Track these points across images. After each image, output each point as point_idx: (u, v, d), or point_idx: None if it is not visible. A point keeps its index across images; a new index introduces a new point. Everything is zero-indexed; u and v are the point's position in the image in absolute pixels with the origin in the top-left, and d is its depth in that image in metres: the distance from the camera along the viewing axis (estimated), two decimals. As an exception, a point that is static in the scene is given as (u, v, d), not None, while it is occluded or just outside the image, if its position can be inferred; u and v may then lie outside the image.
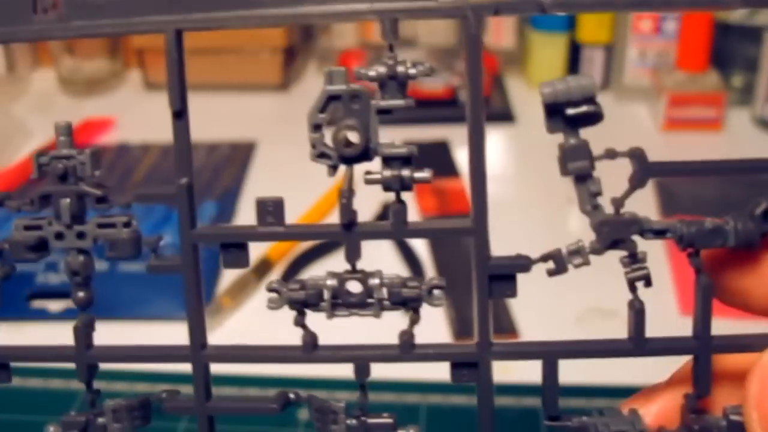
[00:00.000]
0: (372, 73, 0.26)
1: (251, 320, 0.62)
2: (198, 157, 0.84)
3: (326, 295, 0.27)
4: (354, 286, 0.27)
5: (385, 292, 0.27)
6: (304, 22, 0.26)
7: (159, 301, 0.61)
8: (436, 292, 0.27)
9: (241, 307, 0.63)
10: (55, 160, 0.27)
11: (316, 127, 0.26)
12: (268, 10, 0.26)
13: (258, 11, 0.26)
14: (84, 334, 0.28)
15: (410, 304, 0.27)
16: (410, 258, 0.67)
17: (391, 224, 0.27)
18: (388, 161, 0.26)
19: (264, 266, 0.67)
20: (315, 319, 0.28)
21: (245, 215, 0.74)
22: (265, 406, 0.28)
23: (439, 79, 0.92)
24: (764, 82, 0.90)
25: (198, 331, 0.28)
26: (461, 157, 0.83)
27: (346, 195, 0.26)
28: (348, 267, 0.27)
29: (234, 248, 0.27)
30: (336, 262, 0.28)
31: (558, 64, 1.01)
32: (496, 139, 0.92)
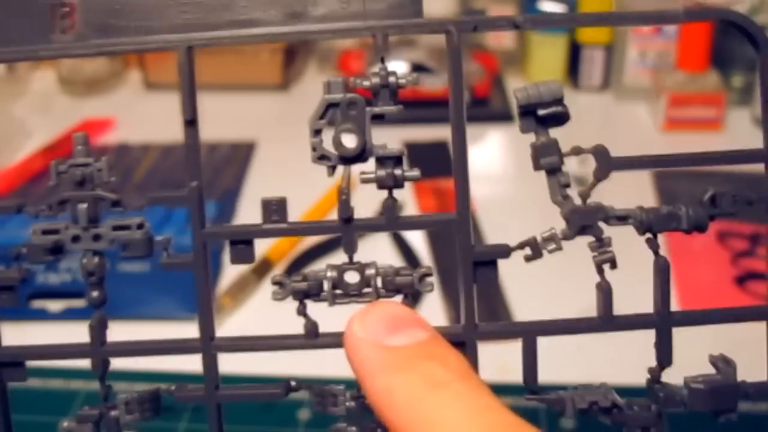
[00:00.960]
0: (366, 83, 0.29)
1: (251, 320, 0.63)
2: (198, 157, 0.85)
3: (326, 285, 0.30)
4: (352, 277, 0.30)
5: (380, 281, 0.30)
6: (304, 39, 0.29)
7: (159, 301, 0.61)
8: (426, 279, 0.30)
9: (241, 307, 0.64)
10: (73, 167, 0.29)
11: (317, 132, 0.29)
12: (271, 28, 0.29)
13: (261, 29, 0.29)
14: (98, 331, 0.30)
15: (404, 291, 0.30)
16: (408, 254, 0.69)
17: (385, 218, 0.29)
18: (381, 161, 0.29)
19: (264, 266, 0.68)
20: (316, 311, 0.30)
21: (245, 215, 0.74)
22: (269, 392, 0.31)
23: (438, 79, 0.92)
24: (764, 82, 0.91)
25: (208, 324, 0.30)
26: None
27: (345, 192, 0.29)
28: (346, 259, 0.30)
29: (241, 244, 0.30)
30: (335, 260, 0.30)
31: (558, 65, 1.01)
32: (496, 139, 0.92)
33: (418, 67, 0.89)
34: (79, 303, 0.60)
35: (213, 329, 0.30)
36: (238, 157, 0.86)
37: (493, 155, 0.90)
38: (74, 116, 0.94)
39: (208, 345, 0.30)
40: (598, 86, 1.01)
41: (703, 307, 0.63)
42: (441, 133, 0.88)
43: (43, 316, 0.59)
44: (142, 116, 0.96)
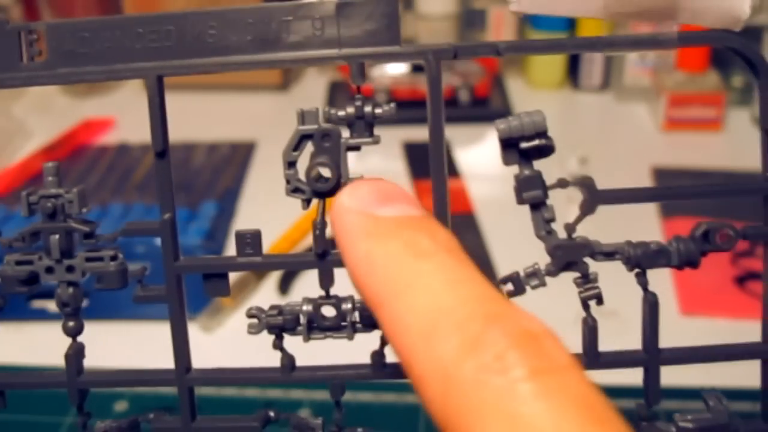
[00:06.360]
0: (341, 114, 0.27)
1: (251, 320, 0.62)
2: (198, 157, 0.83)
3: (302, 319, 0.28)
4: (328, 311, 0.29)
5: (357, 315, 0.28)
6: (279, 67, 0.28)
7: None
8: (404, 314, 0.28)
9: (240, 307, 0.62)
10: (44, 198, 0.28)
11: (290, 164, 0.27)
12: (243, 56, 0.27)
13: (232, 58, 0.27)
14: (75, 361, 0.29)
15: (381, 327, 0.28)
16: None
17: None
18: (357, 194, 0.27)
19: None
20: (296, 340, 0.29)
21: (245, 215, 0.73)
22: (246, 425, 0.29)
23: None
24: (764, 82, 0.88)
25: (183, 356, 0.29)
26: (461, 157, 0.81)
27: (319, 227, 0.27)
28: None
29: (215, 278, 0.29)
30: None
31: (558, 64, 0.99)
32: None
33: (417, 67, 0.86)
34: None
35: (189, 361, 0.29)
36: (238, 157, 0.84)
37: (493, 155, 0.87)
38: (74, 116, 0.92)
39: (183, 378, 0.29)
40: (598, 86, 0.98)
41: (703, 307, 0.60)
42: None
43: (43, 316, 0.58)
44: (142, 116, 0.94)
